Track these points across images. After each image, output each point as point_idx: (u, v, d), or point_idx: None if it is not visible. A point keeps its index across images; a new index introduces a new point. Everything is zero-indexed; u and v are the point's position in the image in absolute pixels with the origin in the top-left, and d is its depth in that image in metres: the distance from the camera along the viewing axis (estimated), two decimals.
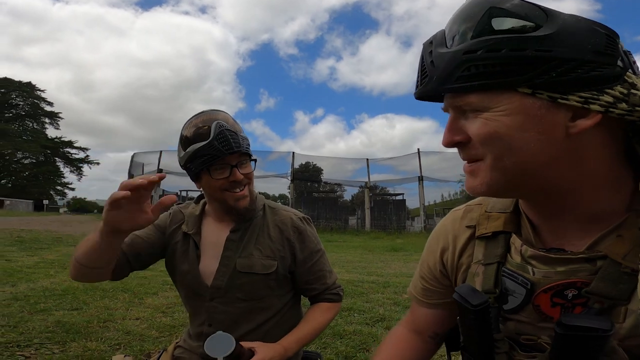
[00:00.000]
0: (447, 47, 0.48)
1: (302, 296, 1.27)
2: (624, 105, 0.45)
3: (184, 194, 20.88)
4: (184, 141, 1.06)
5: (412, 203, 19.45)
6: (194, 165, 1.04)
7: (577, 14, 0.46)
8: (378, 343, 2.61)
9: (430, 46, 0.50)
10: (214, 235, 1.16)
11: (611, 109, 0.45)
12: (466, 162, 0.54)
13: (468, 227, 0.67)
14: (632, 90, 0.45)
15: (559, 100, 0.44)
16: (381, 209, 18.36)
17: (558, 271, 0.52)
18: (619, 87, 0.45)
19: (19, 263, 5.09)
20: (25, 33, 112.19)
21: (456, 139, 0.52)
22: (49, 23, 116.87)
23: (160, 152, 18.67)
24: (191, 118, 1.09)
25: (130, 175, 21.64)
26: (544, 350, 0.54)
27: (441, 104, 0.54)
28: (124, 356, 1.24)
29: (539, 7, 0.46)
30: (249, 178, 1.10)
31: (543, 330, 0.55)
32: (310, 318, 1.17)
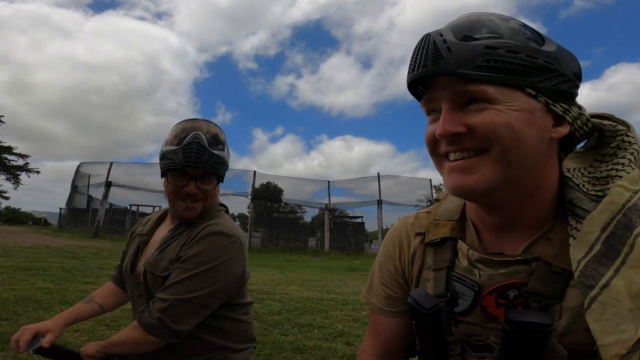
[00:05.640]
0: (463, 40, 0.51)
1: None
2: (578, 122, 0.54)
3: (134, 208, 19.83)
4: (168, 139, 1.09)
5: (370, 226, 19.93)
6: (161, 163, 1.08)
7: None
8: (338, 358, 2.62)
9: (441, 36, 0.52)
10: (160, 235, 1.15)
11: (575, 123, 0.54)
12: (450, 159, 0.54)
13: (417, 234, 0.70)
14: (581, 111, 0.55)
15: (551, 106, 0.51)
16: (340, 231, 18.54)
17: (500, 273, 0.56)
18: (576, 105, 0.55)
19: None
20: None
21: (457, 129, 0.52)
22: None
23: (111, 163, 17.05)
24: (183, 120, 1.11)
25: (74, 187, 19.86)
26: (493, 350, 0.57)
27: (418, 101, 0.57)
28: None
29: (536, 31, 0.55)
30: (205, 194, 1.08)
31: (491, 330, 0.58)
32: (121, 333, 1.05)
